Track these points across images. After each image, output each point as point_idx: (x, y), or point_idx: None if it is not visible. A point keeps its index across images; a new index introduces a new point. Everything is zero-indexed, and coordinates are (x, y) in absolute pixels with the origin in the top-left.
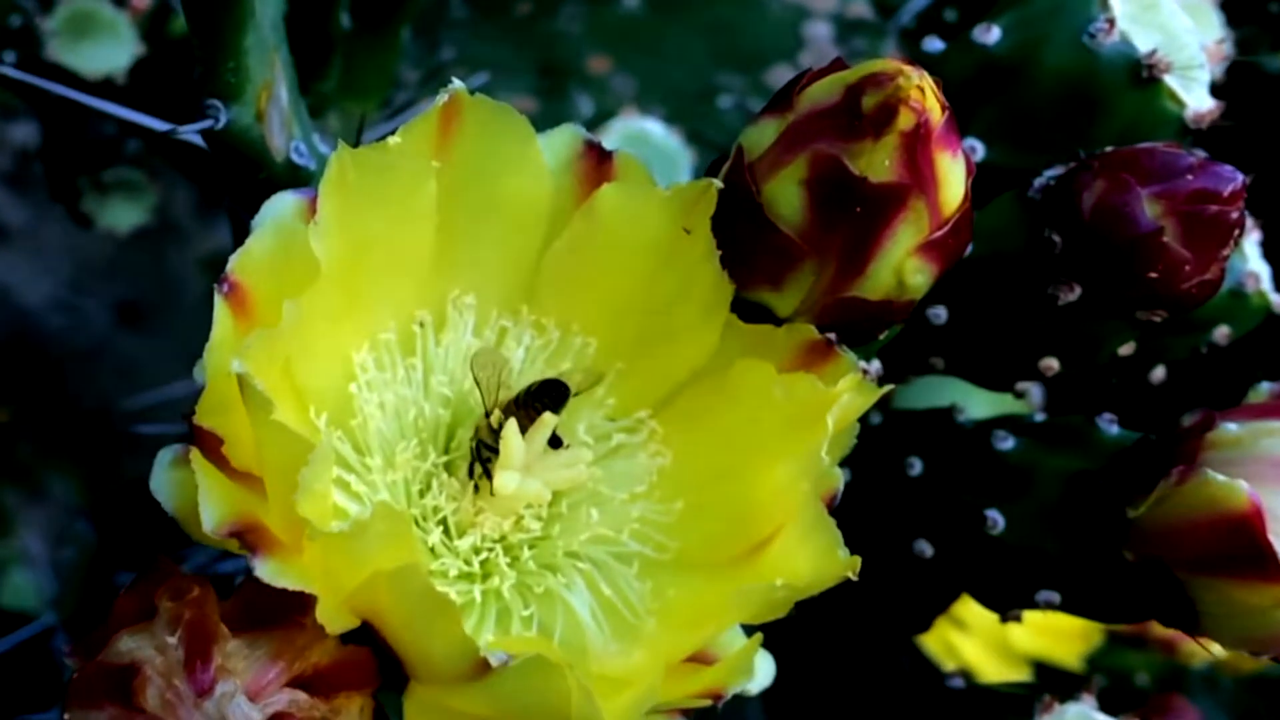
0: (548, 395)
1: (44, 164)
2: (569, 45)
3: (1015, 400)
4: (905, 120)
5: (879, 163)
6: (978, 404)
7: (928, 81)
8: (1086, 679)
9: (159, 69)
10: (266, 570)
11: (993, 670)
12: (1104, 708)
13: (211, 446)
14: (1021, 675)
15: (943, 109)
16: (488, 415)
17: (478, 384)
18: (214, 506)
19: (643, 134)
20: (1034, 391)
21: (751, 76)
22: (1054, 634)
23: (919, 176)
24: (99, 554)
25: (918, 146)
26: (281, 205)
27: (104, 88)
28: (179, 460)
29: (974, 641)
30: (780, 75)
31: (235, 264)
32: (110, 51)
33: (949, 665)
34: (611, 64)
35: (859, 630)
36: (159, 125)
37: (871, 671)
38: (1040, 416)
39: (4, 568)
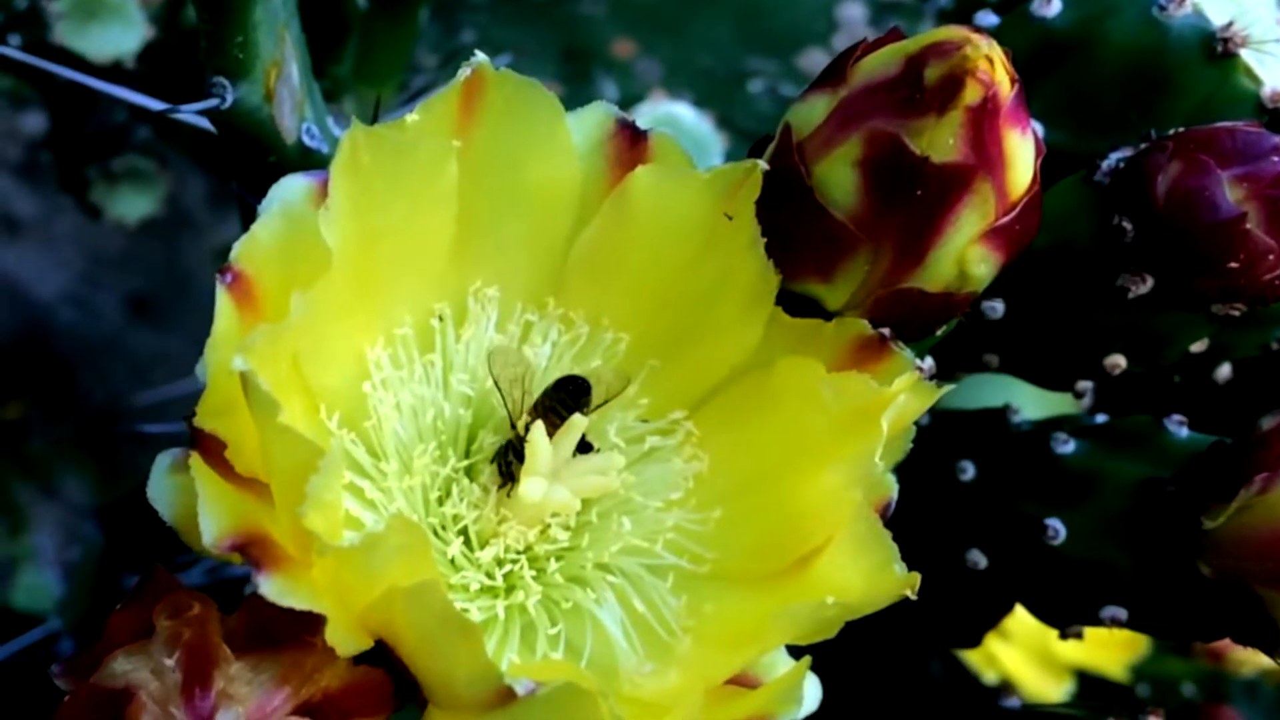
0: (567, 392)
1: (52, 152)
2: (592, 28)
3: (1063, 400)
4: (972, 94)
5: (942, 141)
6: (1024, 403)
7: (996, 51)
8: (1131, 689)
9: (169, 54)
10: (272, 588)
11: (1033, 680)
12: (1132, 710)
13: (213, 451)
14: (1064, 685)
15: (1012, 82)
16: (512, 423)
17: (497, 387)
18: (215, 517)
19: (672, 118)
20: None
21: (783, 60)
22: (1099, 642)
23: (985, 156)
24: (106, 556)
25: (985, 123)
26: (290, 189)
27: (112, 72)
28: (179, 465)
29: (1015, 650)
30: (813, 59)
31: (239, 252)
32: (118, 35)
33: (989, 675)
34: (636, 48)
35: (899, 642)
36: (157, 105)
37: (899, 680)
38: (1101, 418)
39: (15, 566)
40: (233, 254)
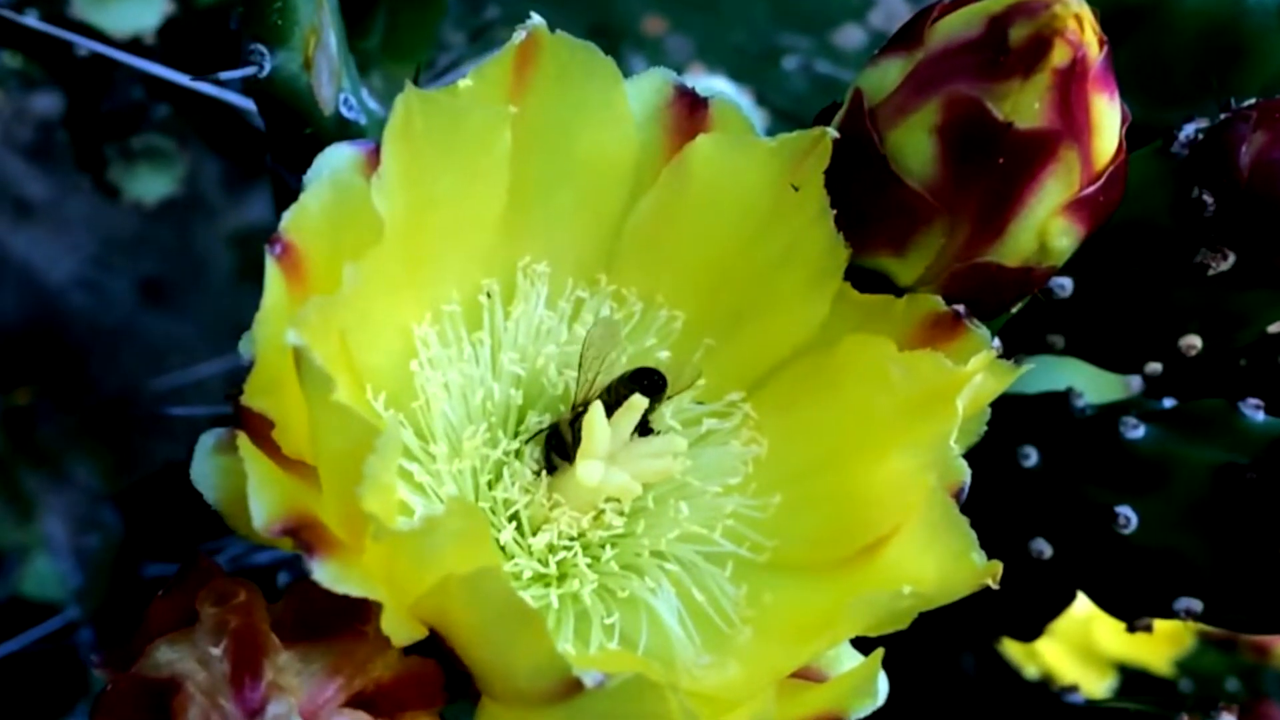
0: (641, 386)
1: (69, 131)
2: (622, 4)
3: (1112, 384)
4: (1060, 55)
5: (1027, 105)
6: (1084, 386)
7: (1085, 10)
8: (1174, 684)
9: (189, 30)
10: (326, 574)
11: (1075, 675)
12: (1203, 707)
13: (261, 431)
14: (1107, 680)
15: (1101, 44)
16: (574, 404)
17: (580, 366)
18: (266, 500)
19: (710, 93)
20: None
21: (818, 37)
22: (1143, 636)
23: (1072, 122)
24: (125, 543)
25: (1072, 87)
26: (338, 158)
27: (131, 48)
28: (224, 445)
29: (1056, 643)
30: (849, 35)
31: (289, 223)
32: (138, 10)
33: (1029, 669)
34: (667, 24)
35: (954, 631)
36: (186, 81)
37: (929, 673)
38: (1169, 402)
39: (26, 555)
40: (282, 224)
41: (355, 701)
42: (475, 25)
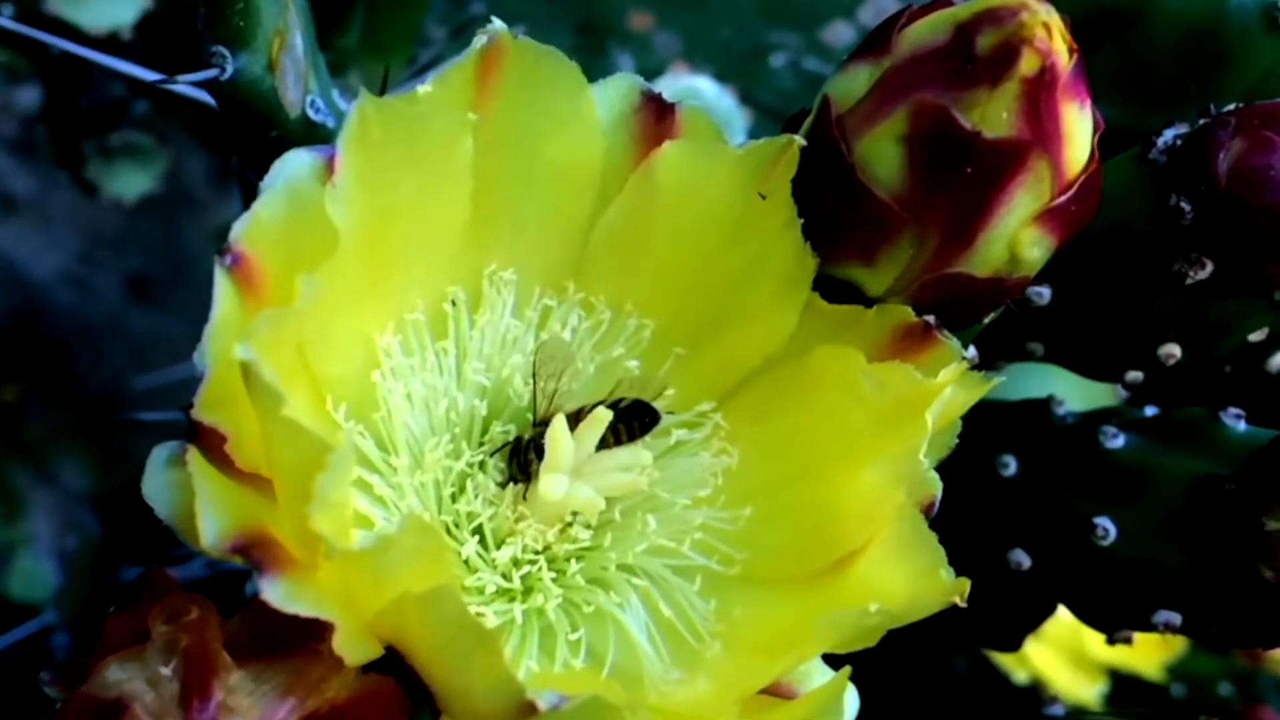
0: (640, 422)
1: (47, 127)
2: (609, 1)
3: (1101, 392)
4: (1029, 64)
5: (995, 115)
6: (1066, 394)
7: (1055, 18)
8: (1165, 689)
9: (167, 26)
10: (277, 593)
11: (1066, 680)
12: (1186, 716)
13: (214, 444)
14: (1098, 685)
15: (1071, 51)
16: (534, 418)
17: (535, 382)
18: (216, 516)
19: (693, 92)
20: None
21: (806, 34)
22: (1134, 640)
23: (1042, 132)
24: (104, 546)
25: (1042, 96)
26: (295, 165)
27: (108, 44)
28: (177, 459)
29: (1047, 649)
30: (838, 33)
31: (241, 232)
32: (115, 6)
33: (1019, 674)
34: (654, 20)
35: (934, 643)
36: (152, 76)
37: (924, 679)
38: (1151, 410)
39: (12, 553)
40: (233, 234)
41: None
42: (459, 21)
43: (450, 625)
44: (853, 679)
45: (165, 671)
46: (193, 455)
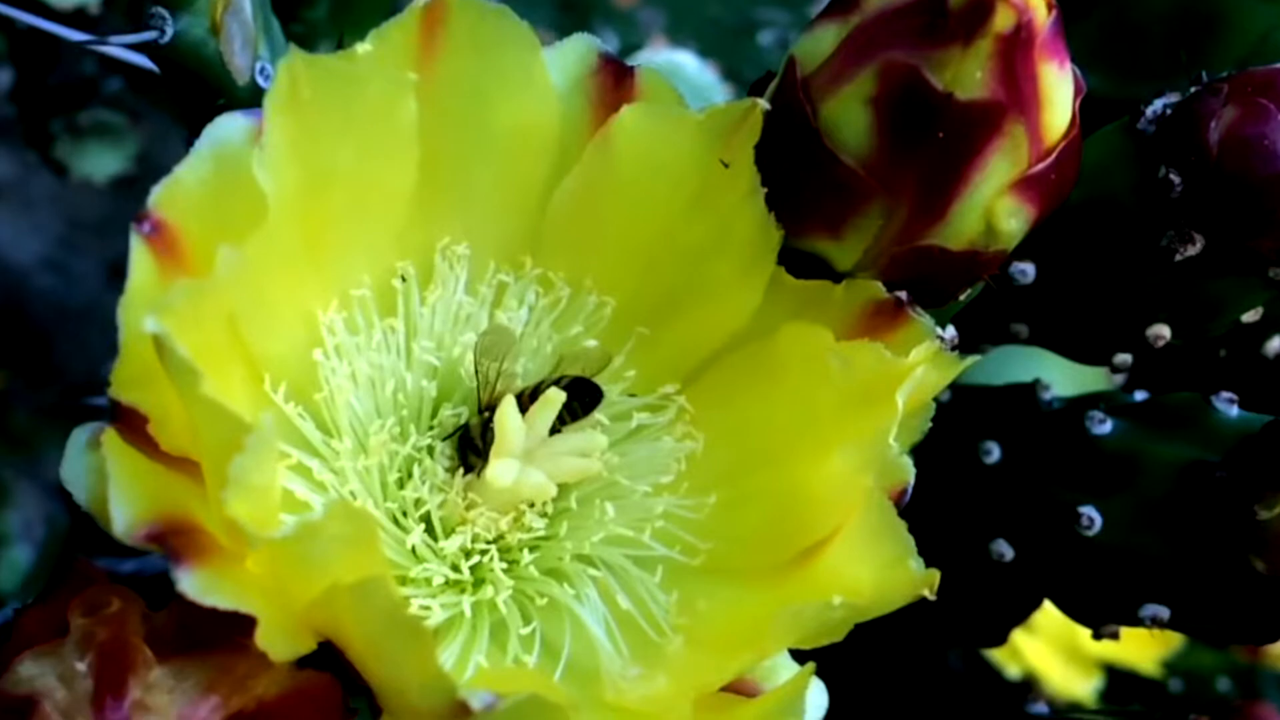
0: (580, 402)
1: (16, 106)
2: None
3: (1096, 377)
4: (1003, 20)
5: (968, 75)
6: (1054, 379)
7: None
8: (1163, 685)
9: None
10: (193, 584)
11: (1060, 676)
12: (1177, 715)
13: (136, 426)
14: (1092, 681)
15: (1049, 7)
16: (479, 402)
17: (476, 373)
18: (129, 502)
19: (674, 67)
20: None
21: (795, 10)
22: (1130, 636)
23: (1018, 93)
24: (71, 536)
25: (1017, 55)
26: (226, 129)
27: (75, 20)
28: (98, 442)
29: (1040, 643)
30: None
31: (159, 197)
32: None
33: (1011, 669)
34: None
35: (916, 639)
36: (80, 36)
37: (915, 672)
38: (1140, 395)
39: (4, 545)
40: (150, 200)
41: None
42: None
43: (382, 619)
44: (843, 673)
45: (80, 667)
46: (107, 436)
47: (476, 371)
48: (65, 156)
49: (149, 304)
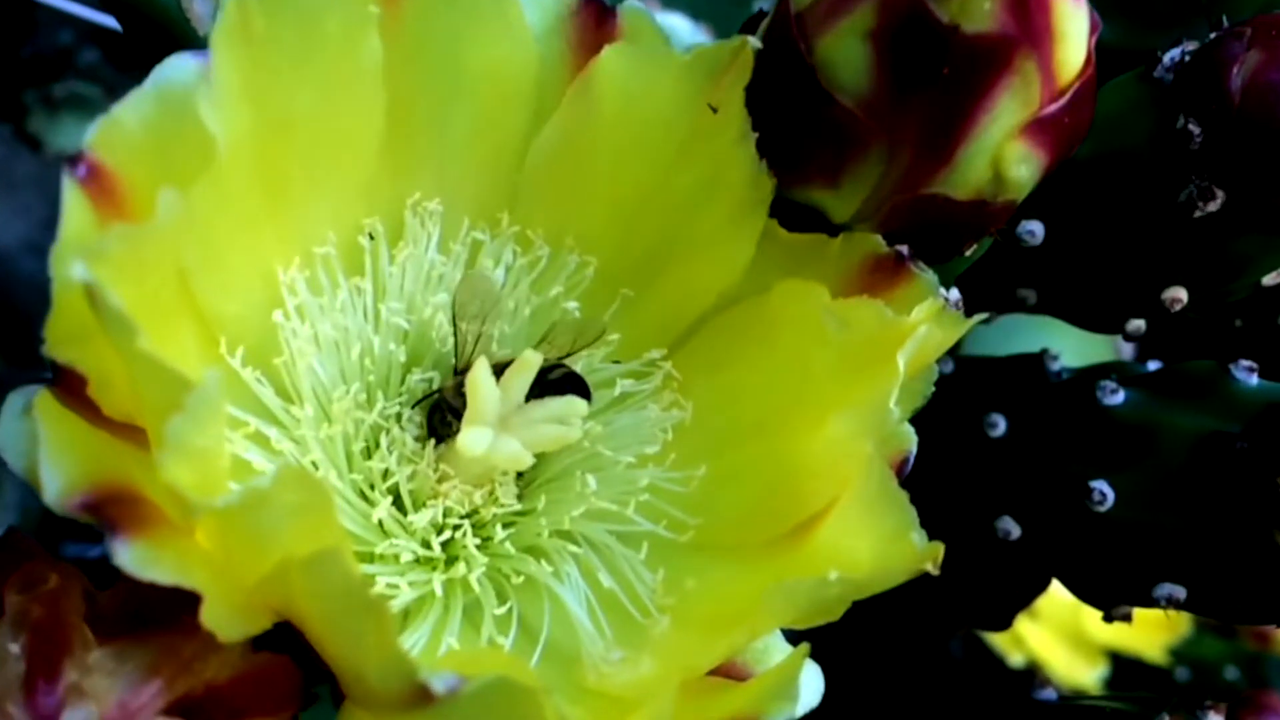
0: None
1: None
2: None
3: (1105, 349)
4: None
5: (976, 5)
6: (1062, 350)
7: None
8: (1169, 673)
9: None
10: (129, 557)
11: (1064, 663)
12: (1188, 703)
13: (76, 388)
14: (1097, 668)
15: None
16: (455, 366)
17: (455, 331)
18: (62, 468)
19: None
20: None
21: None
22: (1137, 621)
23: (1030, 27)
24: (44, 521)
25: None
26: (175, 69)
27: None
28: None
29: (1044, 629)
30: None
31: (95, 138)
32: None
33: (1015, 657)
34: None
35: (918, 622)
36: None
37: (916, 659)
38: (1154, 365)
39: None
40: (86, 140)
41: (179, 707)
42: None
43: (337, 595)
44: (839, 657)
45: (14, 649)
46: (40, 399)
47: (455, 329)
48: (40, 130)
49: (83, 252)
